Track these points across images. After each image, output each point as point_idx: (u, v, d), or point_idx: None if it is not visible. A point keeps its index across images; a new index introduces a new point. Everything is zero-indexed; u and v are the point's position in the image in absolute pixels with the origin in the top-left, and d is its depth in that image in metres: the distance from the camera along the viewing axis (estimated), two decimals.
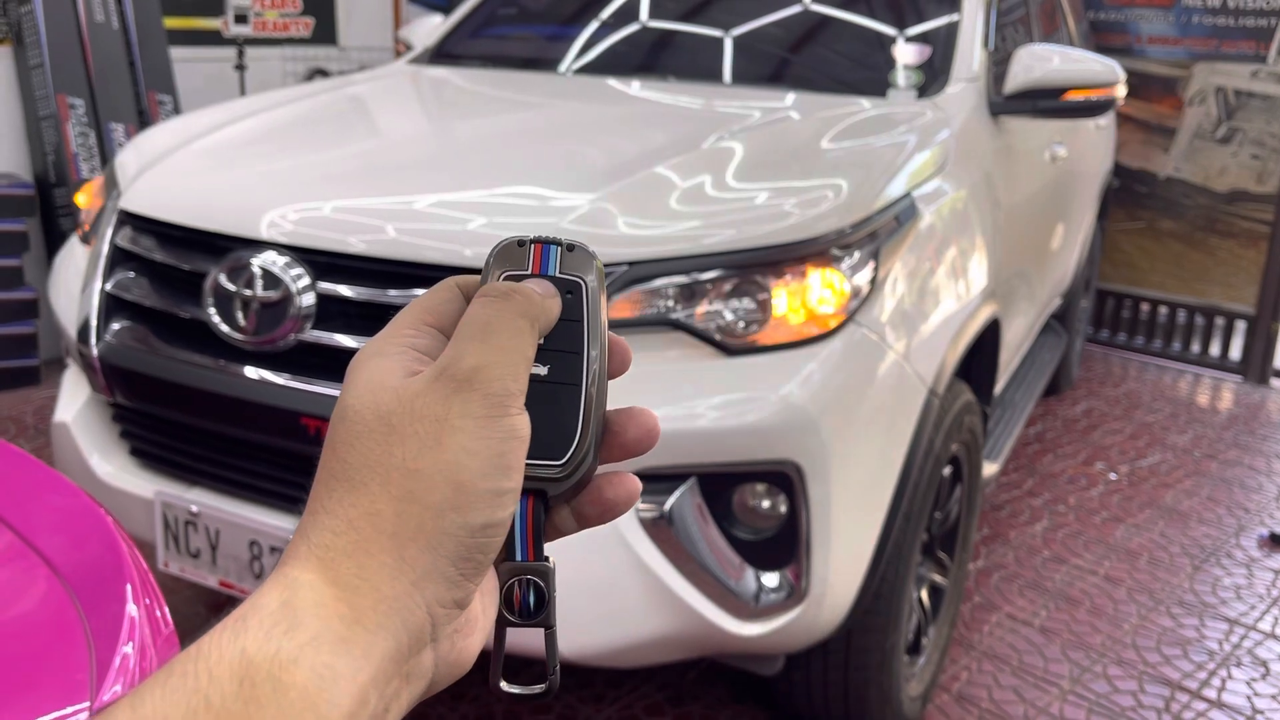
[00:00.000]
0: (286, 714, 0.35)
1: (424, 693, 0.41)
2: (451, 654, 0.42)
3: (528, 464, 0.44)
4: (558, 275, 0.46)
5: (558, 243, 0.47)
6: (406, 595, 0.39)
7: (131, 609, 0.95)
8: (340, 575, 0.39)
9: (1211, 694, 2.47)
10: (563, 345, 0.45)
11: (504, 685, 0.46)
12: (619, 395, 0.46)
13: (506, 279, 0.46)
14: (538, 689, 0.46)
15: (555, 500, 0.46)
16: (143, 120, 4.34)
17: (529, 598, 0.45)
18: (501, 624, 0.45)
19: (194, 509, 1.88)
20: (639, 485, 0.48)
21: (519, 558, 0.45)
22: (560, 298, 0.46)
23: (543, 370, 0.45)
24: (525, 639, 0.48)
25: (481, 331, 0.42)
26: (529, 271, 0.46)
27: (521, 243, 0.47)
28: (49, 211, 4.14)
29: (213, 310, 1.84)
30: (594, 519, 0.48)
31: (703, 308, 1.73)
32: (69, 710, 0.84)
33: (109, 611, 0.94)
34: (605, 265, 1.70)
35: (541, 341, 0.45)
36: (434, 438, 0.40)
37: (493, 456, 0.40)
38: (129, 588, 0.98)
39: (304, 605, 0.38)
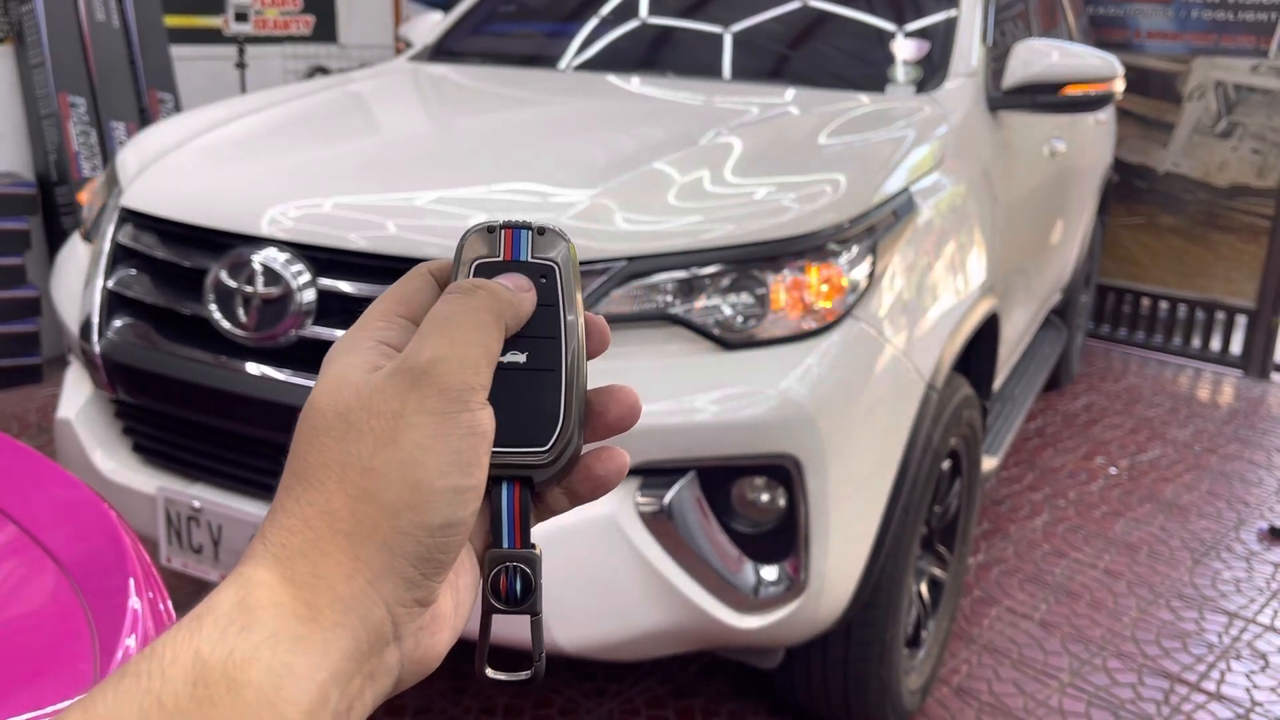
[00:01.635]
0: (242, 714, 0.35)
1: (390, 691, 0.41)
2: (417, 651, 0.41)
3: (512, 452, 0.44)
4: (530, 260, 0.46)
5: (528, 226, 0.46)
6: (363, 594, 0.38)
7: (134, 601, 0.96)
8: (296, 574, 0.38)
9: (1211, 686, 2.48)
10: (539, 331, 0.45)
11: (489, 672, 0.46)
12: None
13: (478, 266, 0.46)
14: (522, 675, 0.46)
15: (542, 486, 0.46)
16: (144, 118, 4.35)
17: (515, 585, 0.44)
18: (487, 611, 0.45)
19: (196, 504, 1.89)
20: (627, 458, 0.47)
21: (506, 545, 0.44)
22: (535, 288, 0.45)
23: (521, 358, 0.44)
24: (515, 629, 0.48)
25: (442, 325, 0.41)
26: (500, 257, 0.46)
27: (491, 228, 0.46)
28: (51, 210, 4.15)
29: (214, 307, 1.84)
30: (586, 495, 0.47)
31: (701, 303, 1.73)
32: (72, 702, 0.85)
33: (112, 604, 0.95)
34: (605, 261, 1.71)
35: (518, 329, 0.45)
36: (390, 434, 0.39)
37: (451, 454, 0.40)
38: (132, 580, 0.98)
39: (259, 604, 0.37)
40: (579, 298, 0.46)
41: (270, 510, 0.41)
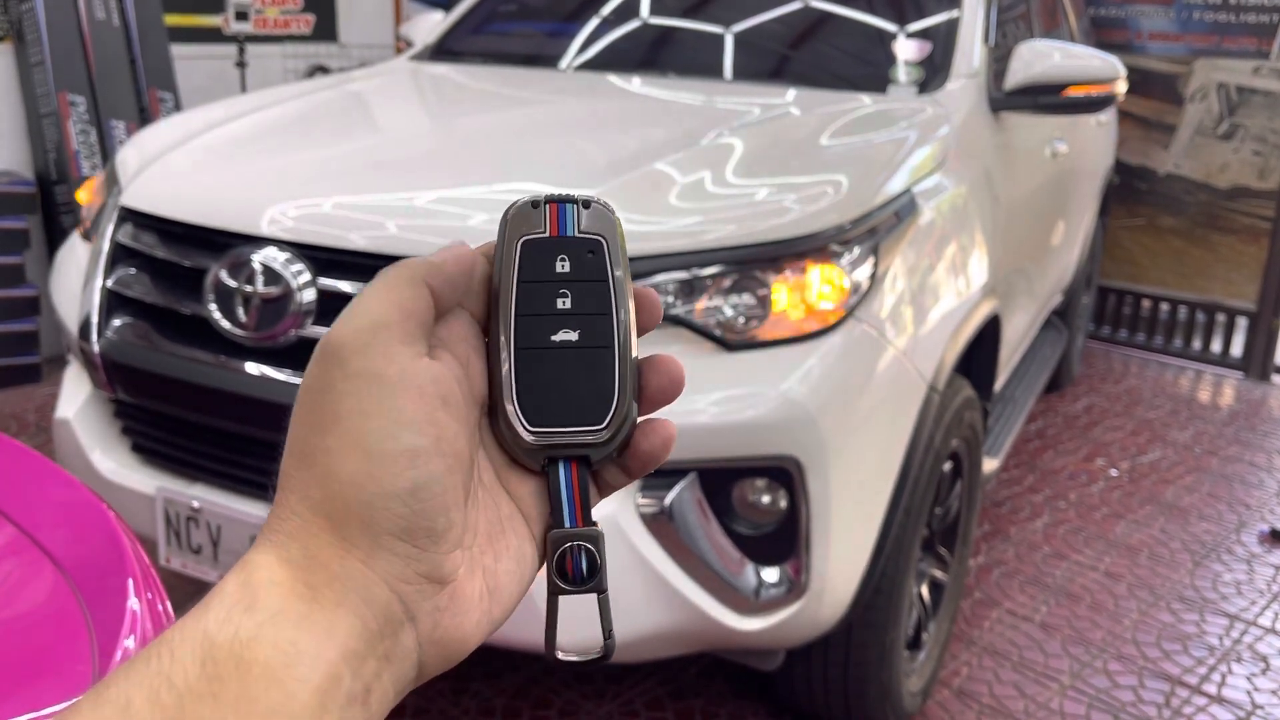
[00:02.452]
0: (251, 691, 0.35)
1: (414, 677, 0.40)
2: (436, 633, 0.40)
3: (568, 431, 0.43)
4: (577, 235, 0.45)
5: (573, 200, 0.45)
6: (360, 573, 0.38)
7: (133, 602, 0.95)
8: (291, 555, 0.38)
9: (1211, 689, 2.48)
10: (590, 308, 0.44)
11: (560, 654, 0.45)
12: None
13: (524, 242, 0.44)
14: (594, 654, 0.45)
15: (599, 463, 0.45)
16: (144, 117, 4.34)
17: (581, 564, 0.44)
18: (554, 592, 0.44)
19: (195, 505, 1.88)
20: (674, 429, 0.46)
21: (568, 524, 0.44)
22: (580, 260, 0.44)
23: (573, 336, 0.44)
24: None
25: (353, 301, 0.41)
26: (545, 233, 0.44)
27: (536, 203, 0.45)
28: (50, 209, 4.15)
29: (214, 306, 1.84)
30: (636, 471, 0.46)
31: (703, 303, 1.73)
32: (71, 702, 0.84)
33: (111, 605, 0.94)
34: None
35: (569, 306, 0.44)
36: (331, 410, 0.39)
37: (391, 413, 0.39)
38: (131, 581, 0.98)
39: (261, 584, 0.37)
40: (628, 272, 0.45)
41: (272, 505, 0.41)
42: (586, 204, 0.45)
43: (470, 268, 0.43)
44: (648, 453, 0.46)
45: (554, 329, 0.44)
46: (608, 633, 0.45)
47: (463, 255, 0.43)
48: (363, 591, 0.38)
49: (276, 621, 0.36)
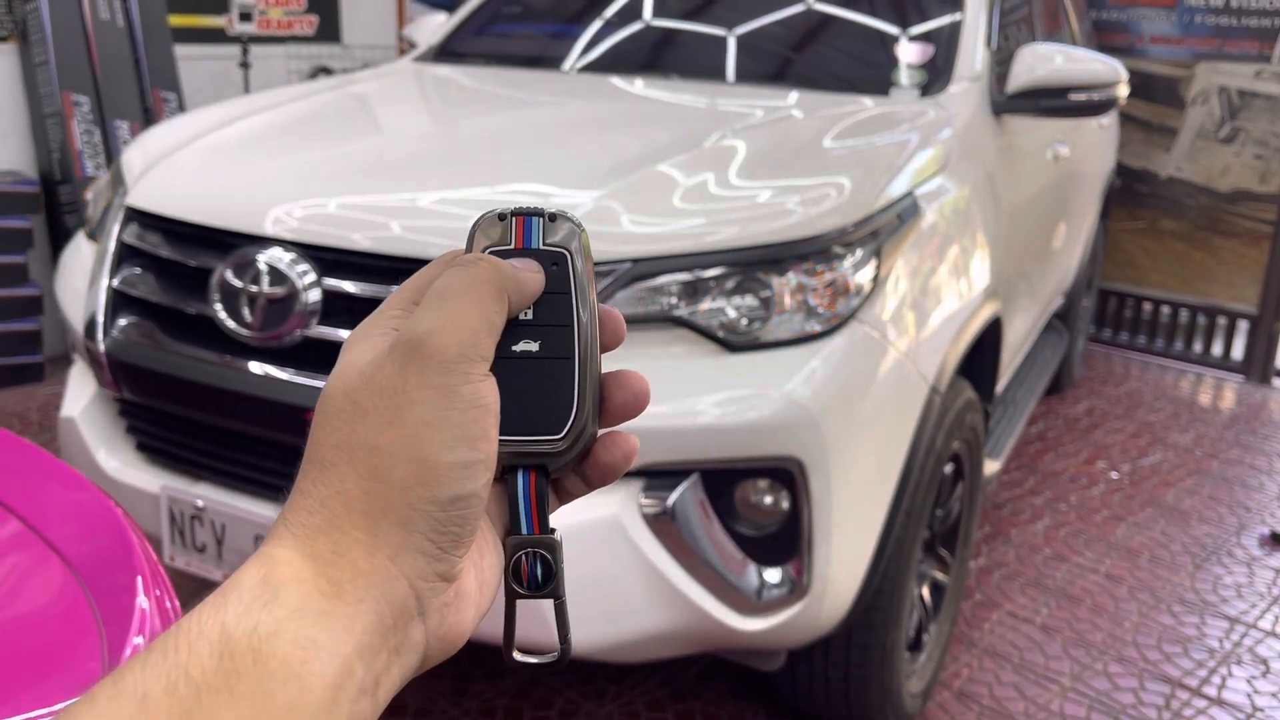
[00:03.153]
0: (267, 686, 0.35)
1: (417, 667, 0.41)
2: (442, 628, 0.41)
3: (526, 440, 0.44)
4: (541, 248, 0.45)
5: (539, 213, 0.46)
6: (384, 570, 0.39)
7: (142, 600, 0.96)
8: (317, 551, 0.39)
9: (1212, 691, 2.48)
10: (552, 319, 0.45)
11: (517, 655, 0.46)
12: None
13: (490, 253, 0.45)
14: (549, 658, 0.46)
15: (557, 472, 0.46)
16: (147, 118, 4.35)
17: (536, 570, 0.45)
18: (511, 597, 0.45)
19: (200, 504, 1.89)
20: (636, 443, 0.47)
21: (525, 531, 0.45)
22: (544, 272, 0.45)
23: (534, 346, 0.44)
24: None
25: (439, 298, 0.41)
26: (512, 245, 0.45)
27: (503, 215, 0.46)
28: (54, 208, 4.15)
29: (219, 306, 1.85)
30: (596, 481, 0.47)
31: (706, 305, 1.74)
32: (88, 693, 0.85)
33: (120, 602, 0.95)
34: (610, 263, 1.71)
35: (530, 317, 0.44)
36: (393, 412, 0.39)
37: (454, 428, 0.40)
38: (139, 579, 0.99)
39: (283, 580, 0.38)
40: (592, 284, 0.46)
41: (291, 494, 0.41)
42: (552, 217, 0.46)
43: (539, 290, 0.44)
44: (609, 464, 0.47)
45: (515, 339, 0.44)
46: (563, 638, 0.46)
47: (538, 279, 0.44)
48: (385, 587, 0.39)
49: (297, 618, 0.37)
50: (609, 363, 0.47)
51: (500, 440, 0.43)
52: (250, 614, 0.36)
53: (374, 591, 0.39)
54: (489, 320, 0.42)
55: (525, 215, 0.46)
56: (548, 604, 0.46)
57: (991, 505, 3.37)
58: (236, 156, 2.20)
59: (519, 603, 0.46)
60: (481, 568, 0.44)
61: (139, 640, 0.92)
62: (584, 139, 2.29)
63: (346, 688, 0.37)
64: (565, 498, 0.48)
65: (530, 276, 0.44)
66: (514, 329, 0.44)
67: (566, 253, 0.45)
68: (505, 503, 0.45)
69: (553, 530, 0.45)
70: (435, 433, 0.39)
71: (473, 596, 0.43)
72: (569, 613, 0.46)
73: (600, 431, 0.47)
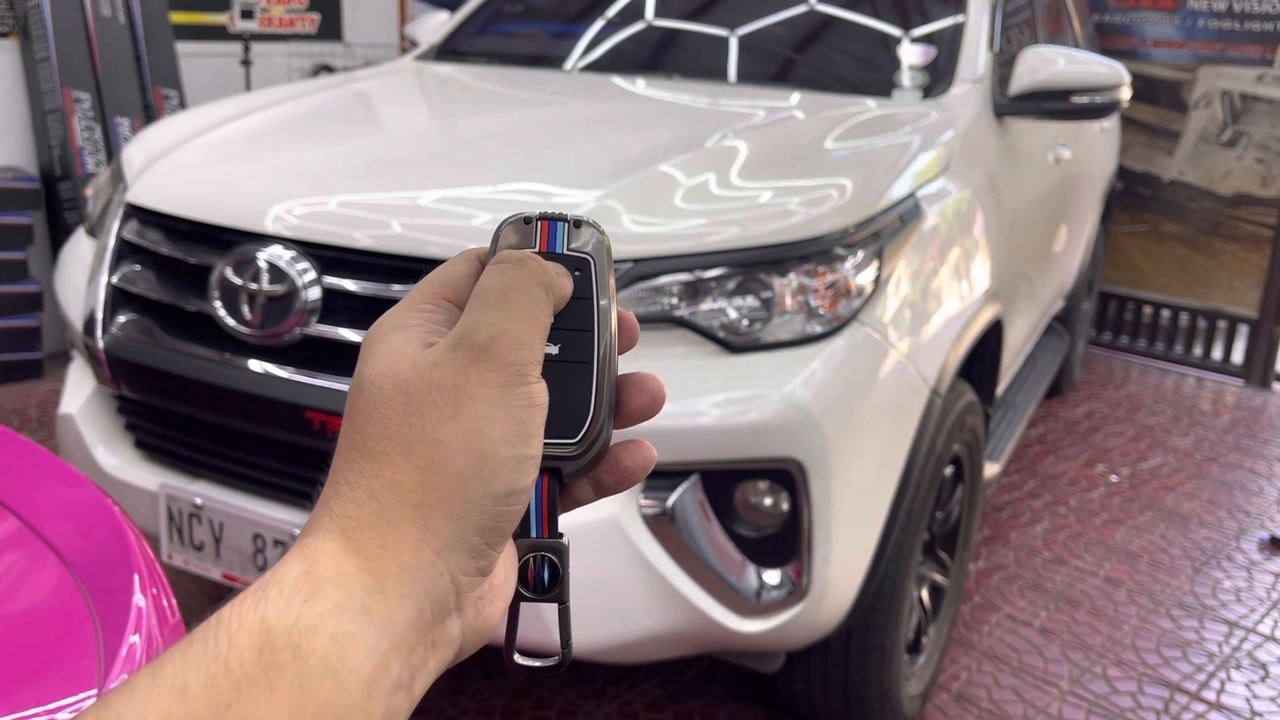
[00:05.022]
0: (306, 681, 0.35)
1: (452, 660, 0.42)
2: (476, 621, 0.42)
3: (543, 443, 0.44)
4: (565, 252, 0.46)
5: (564, 219, 0.46)
6: (430, 565, 0.39)
7: (139, 598, 0.96)
8: (362, 545, 0.39)
9: (1211, 696, 2.48)
10: (573, 323, 0.45)
11: (518, 658, 0.46)
12: None
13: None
14: (550, 661, 0.46)
15: (570, 477, 0.46)
16: (148, 115, 4.35)
17: (543, 574, 0.45)
18: (516, 599, 0.45)
19: (198, 502, 1.89)
20: (654, 452, 0.48)
21: (534, 534, 0.45)
22: (570, 276, 0.45)
23: (554, 349, 0.44)
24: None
25: (499, 299, 0.42)
26: (536, 249, 0.46)
27: (528, 219, 0.46)
28: (54, 205, 4.15)
29: (218, 304, 1.84)
30: (612, 488, 0.48)
31: (706, 305, 1.73)
32: (77, 697, 0.85)
33: (116, 600, 0.95)
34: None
35: (552, 320, 0.45)
36: (453, 407, 0.40)
37: (513, 424, 0.40)
38: (136, 577, 0.98)
39: (326, 574, 0.38)
40: (613, 291, 0.46)
41: (330, 482, 0.41)
42: (577, 223, 0.46)
43: (568, 297, 0.45)
44: (628, 469, 0.47)
45: None
46: (565, 642, 0.46)
47: (570, 284, 0.45)
48: (428, 584, 0.39)
49: (337, 613, 0.37)
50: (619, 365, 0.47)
51: None
52: (292, 608, 0.36)
53: (417, 587, 0.39)
54: (541, 324, 0.43)
55: (551, 220, 0.46)
56: (549, 607, 0.46)
57: (991, 508, 3.37)
58: (237, 154, 2.20)
59: (520, 605, 0.46)
60: (504, 562, 0.44)
61: (135, 639, 0.92)
62: (585, 139, 2.29)
63: (382, 683, 0.37)
64: (571, 504, 0.48)
65: (565, 281, 0.45)
66: None
67: (590, 259, 0.46)
68: None
69: (561, 535, 0.45)
70: (494, 428, 0.40)
71: (501, 589, 0.43)
72: (571, 617, 0.46)
73: (620, 435, 0.47)
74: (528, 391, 0.41)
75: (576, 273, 0.45)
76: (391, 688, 0.37)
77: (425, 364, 0.41)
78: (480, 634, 0.42)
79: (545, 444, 0.43)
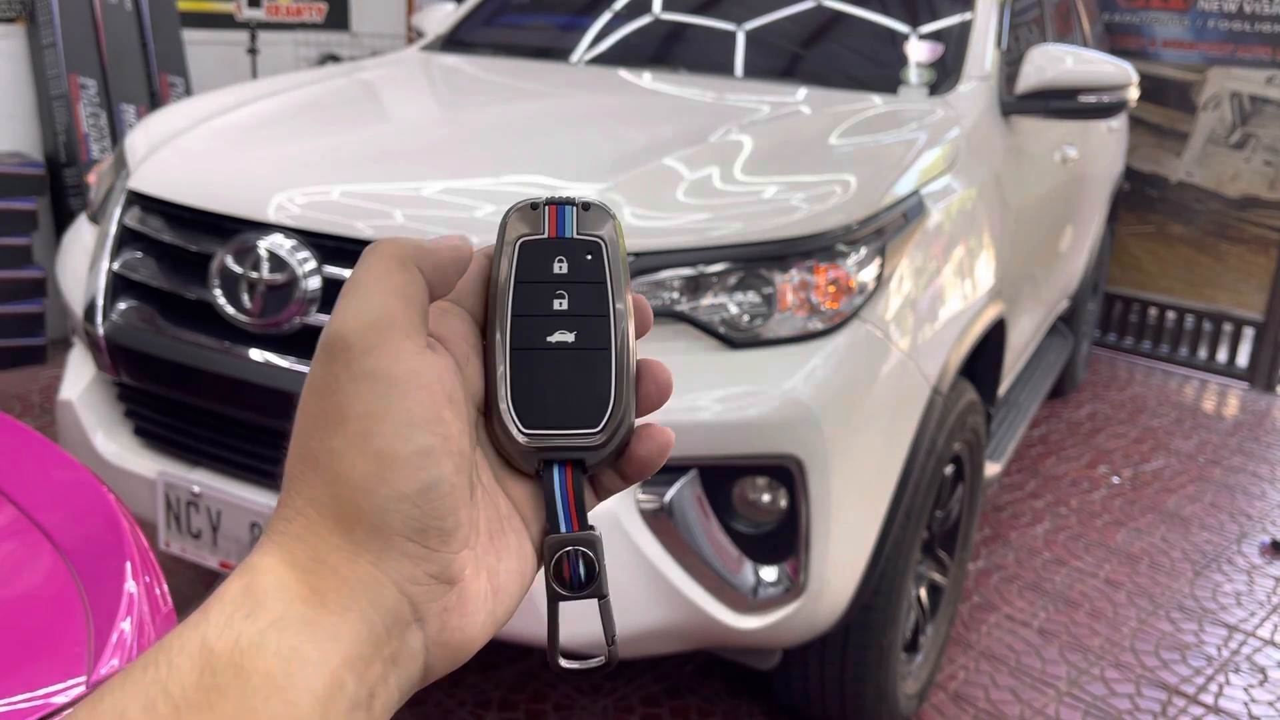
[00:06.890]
0: (249, 702, 0.33)
1: (420, 678, 0.39)
2: (444, 634, 0.39)
3: (563, 434, 0.42)
4: (575, 237, 0.44)
5: (572, 202, 0.44)
6: (369, 576, 0.37)
7: (130, 585, 0.95)
8: (297, 558, 0.37)
9: (1209, 699, 2.47)
10: (587, 309, 0.43)
11: (563, 662, 0.44)
12: None
13: (522, 244, 0.44)
14: (595, 662, 0.44)
15: (595, 467, 0.44)
16: (154, 102, 4.34)
17: (579, 569, 0.43)
18: (554, 599, 0.43)
19: (196, 489, 1.89)
20: (671, 436, 0.46)
21: (563, 529, 0.43)
22: (580, 261, 0.44)
23: (569, 337, 0.43)
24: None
25: (348, 288, 0.39)
26: (545, 235, 0.44)
27: (535, 205, 0.44)
28: (59, 191, 4.15)
29: (219, 292, 1.84)
30: (633, 476, 0.45)
31: (708, 300, 1.73)
32: (67, 683, 0.84)
33: (108, 587, 0.94)
34: None
35: (566, 307, 0.43)
36: (336, 411, 0.38)
37: (401, 414, 0.37)
38: (129, 564, 0.98)
39: (265, 589, 0.36)
40: (627, 274, 0.45)
41: (279, 499, 0.40)
42: (586, 206, 0.45)
43: (462, 259, 0.42)
44: (644, 458, 0.45)
45: (550, 330, 0.43)
46: (610, 639, 0.44)
47: (457, 245, 0.42)
48: (371, 595, 0.37)
49: (279, 628, 0.35)
50: None
51: (532, 434, 0.42)
52: (232, 626, 0.35)
53: (359, 599, 0.37)
54: (399, 291, 0.39)
55: (559, 204, 0.45)
56: (541, 605, 0.44)
57: (991, 508, 3.36)
58: (240, 142, 2.19)
59: (558, 605, 0.44)
60: (498, 570, 0.41)
61: (126, 625, 0.92)
62: (590, 131, 2.28)
63: (337, 701, 0.35)
64: (603, 494, 0.46)
65: (442, 245, 0.41)
66: (549, 319, 0.43)
67: (601, 242, 0.44)
68: (540, 501, 0.43)
69: (591, 527, 0.44)
70: (381, 423, 0.37)
71: (483, 600, 0.40)
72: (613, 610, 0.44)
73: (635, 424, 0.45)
74: (406, 370, 0.38)
75: (589, 256, 0.44)
76: (348, 706, 0.35)
77: (310, 376, 0.39)
78: (450, 648, 0.40)
79: (566, 434, 0.42)
